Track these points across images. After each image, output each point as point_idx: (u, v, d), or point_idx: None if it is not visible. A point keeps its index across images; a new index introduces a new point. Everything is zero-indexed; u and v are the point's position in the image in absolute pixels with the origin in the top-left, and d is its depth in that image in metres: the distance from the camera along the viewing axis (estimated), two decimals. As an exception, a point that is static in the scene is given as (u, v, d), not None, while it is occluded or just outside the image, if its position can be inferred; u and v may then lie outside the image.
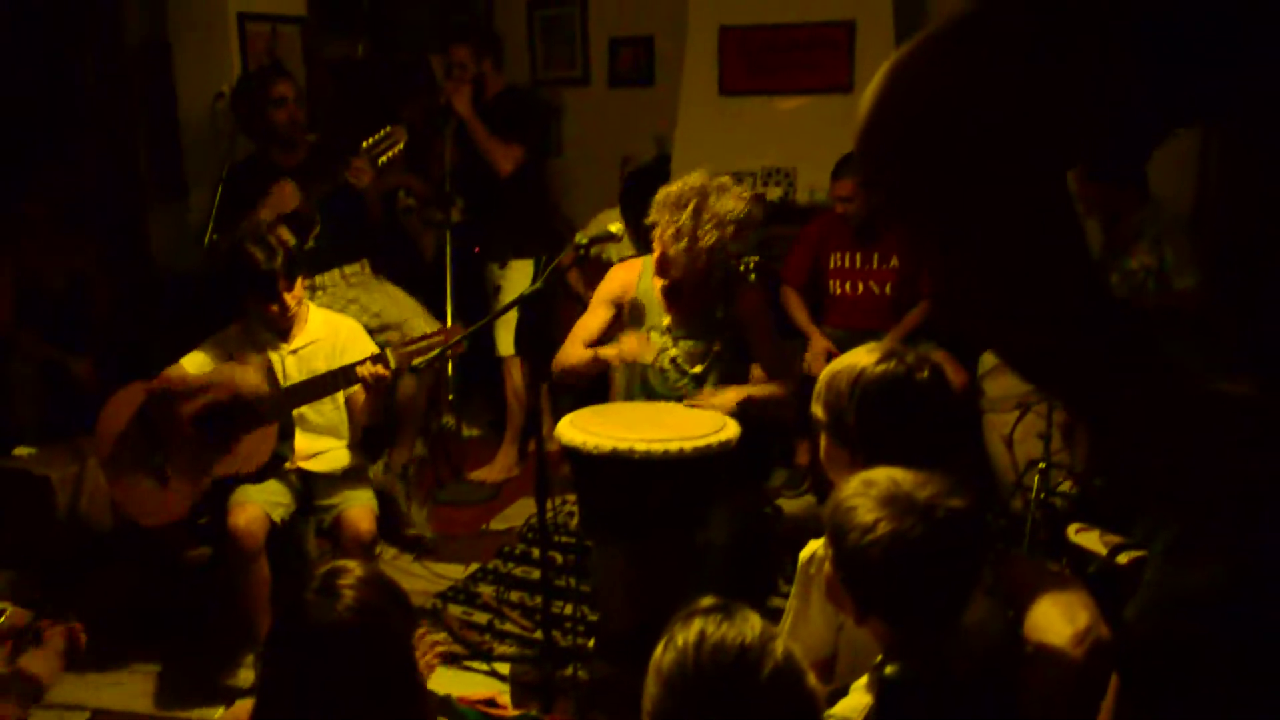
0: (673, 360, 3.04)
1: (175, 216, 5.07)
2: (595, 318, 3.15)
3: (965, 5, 0.70)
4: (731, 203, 2.85)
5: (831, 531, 1.44)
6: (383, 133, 3.73)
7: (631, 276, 3.16)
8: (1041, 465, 3.53)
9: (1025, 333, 0.73)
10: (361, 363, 3.03)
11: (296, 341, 3.24)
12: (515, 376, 4.51)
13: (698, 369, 3.04)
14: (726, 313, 3.06)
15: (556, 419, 2.77)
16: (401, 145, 3.74)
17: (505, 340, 4.45)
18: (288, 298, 3.11)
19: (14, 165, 5.00)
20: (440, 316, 4.13)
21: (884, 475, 1.44)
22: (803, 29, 4.98)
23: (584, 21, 5.97)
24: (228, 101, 3.97)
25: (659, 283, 3.04)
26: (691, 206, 2.82)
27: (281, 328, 3.21)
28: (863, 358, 1.81)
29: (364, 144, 3.73)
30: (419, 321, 3.87)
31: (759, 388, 3.02)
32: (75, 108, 5.36)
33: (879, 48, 4.81)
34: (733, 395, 2.92)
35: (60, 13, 5.28)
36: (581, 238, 2.97)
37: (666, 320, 3.07)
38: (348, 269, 4.05)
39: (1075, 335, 0.70)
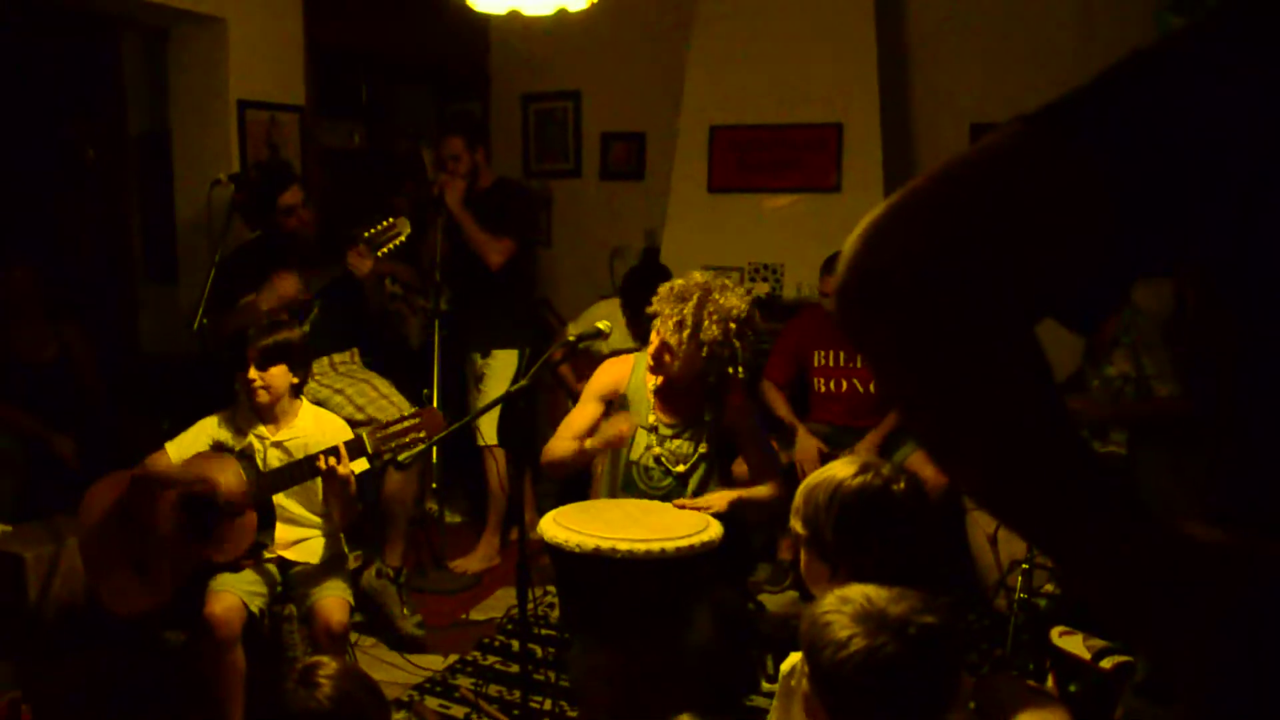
0: (657, 459, 3.05)
1: (165, 299, 5.13)
2: (584, 413, 3.17)
3: (940, 170, 0.73)
4: (735, 300, 2.88)
5: (807, 648, 1.45)
6: (385, 223, 3.77)
7: (623, 372, 3.18)
8: (1025, 565, 3.52)
9: (986, 474, 0.75)
10: (317, 455, 3.02)
11: (283, 433, 3.24)
12: (498, 466, 4.49)
13: (681, 468, 3.05)
14: (715, 416, 3.07)
15: (539, 509, 2.77)
16: (404, 237, 3.78)
17: (488, 430, 4.45)
18: (255, 375, 3.10)
19: (6, 238, 5.07)
20: (424, 404, 4.13)
21: (858, 591, 1.45)
22: (792, 130, 5.10)
23: (577, 116, 6.12)
24: (226, 186, 4.02)
25: (650, 380, 3.05)
26: (695, 299, 2.85)
27: (261, 409, 3.19)
28: (839, 470, 1.83)
29: (365, 234, 3.76)
30: (405, 410, 3.87)
31: (748, 490, 3.01)
32: (75, 189, 5.46)
33: (867, 149, 4.94)
34: (723, 497, 2.91)
35: (68, 99, 5.42)
36: (573, 330, 3.00)
37: (654, 418, 3.08)
38: (337, 357, 4.07)
39: (1039, 482, 0.72)
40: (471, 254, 4.40)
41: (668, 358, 2.93)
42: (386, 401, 3.97)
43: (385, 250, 3.77)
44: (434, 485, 4.29)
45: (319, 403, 3.61)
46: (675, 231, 5.21)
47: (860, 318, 0.73)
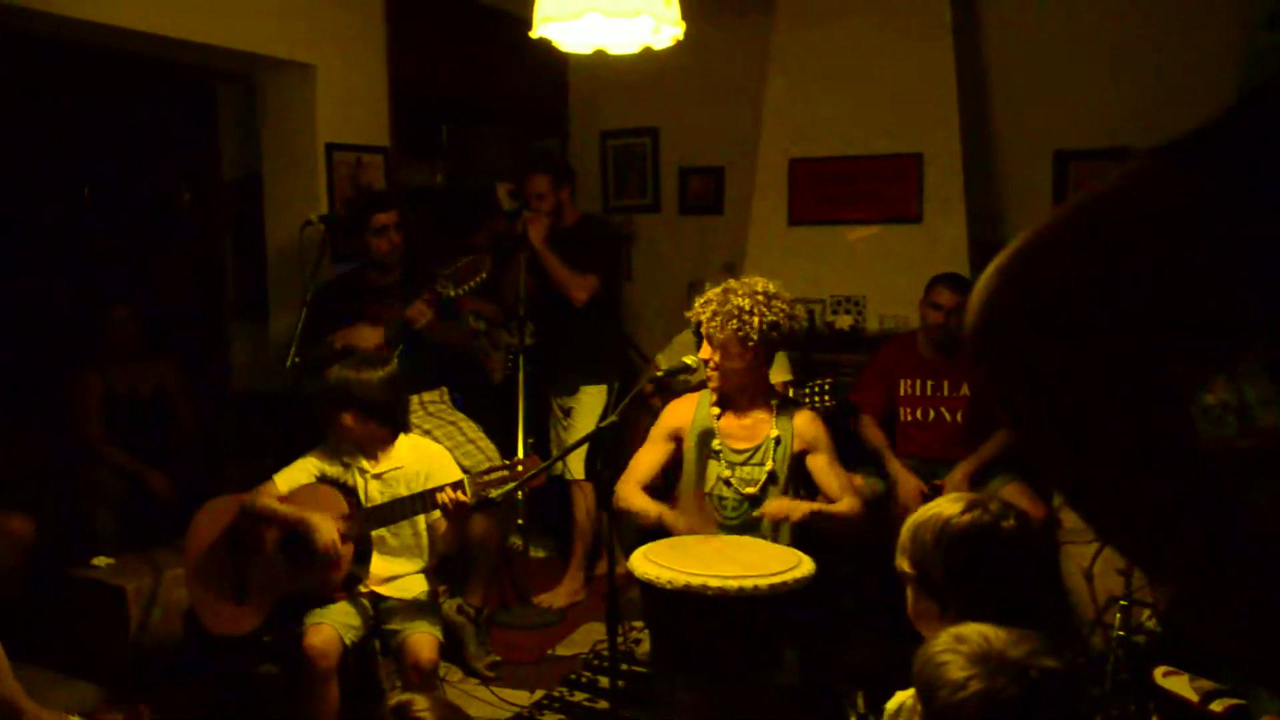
0: (728, 482, 3.06)
1: (255, 338, 5.25)
2: (652, 453, 3.21)
3: (1076, 204, 0.71)
4: (761, 283, 3.01)
5: (922, 687, 1.42)
6: (465, 261, 3.82)
7: (688, 409, 3.22)
8: (1123, 602, 3.41)
9: (1112, 499, 0.72)
10: (442, 488, 3.06)
11: (382, 465, 3.27)
12: (584, 501, 4.50)
13: (751, 490, 3.06)
14: (783, 437, 3.07)
15: (623, 543, 2.76)
16: (484, 275, 3.80)
17: (576, 464, 4.45)
18: (346, 419, 3.15)
19: (109, 279, 5.27)
20: (510, 439, 4.15)
21: (975, 631, 1.42)
22: (872, 160, 5.07)
23: (655, 152, 6.17)
24: (316, 227, 4.11)
25: (715, 412, 3.10)
26: (721, 288, 3.02)
27: (364, 449, 3.24)
28: (946, 508, 1.80)
29: (445, 271, 3.80)
30: (492, 456, 3.89)
31: (827, 505, 3.00)
32: (171, 232, 5.66)
33: (948, 178, 4.90)
34: (801, 506, 2.91)
35: (166, 146, 5.64)
36: (662, 362, 3.02)
37: (719, 444, 3.11)
38: (426, 396, 4.08)
39: (1191, 522, 0.70)
40: (556, 290, 4.42)
41: (710, 351, 2.99)
42: (474, 447, 3.97)
43: (465, 288, 3.80)
44: (520, 521, 4.31)
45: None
46: (756, 265, 5.15)
47: (998, 353, 0.72)
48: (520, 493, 3.85)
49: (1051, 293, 0.69)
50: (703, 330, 3.02)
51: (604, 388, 4.56)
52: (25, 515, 3.85)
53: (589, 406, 4.53)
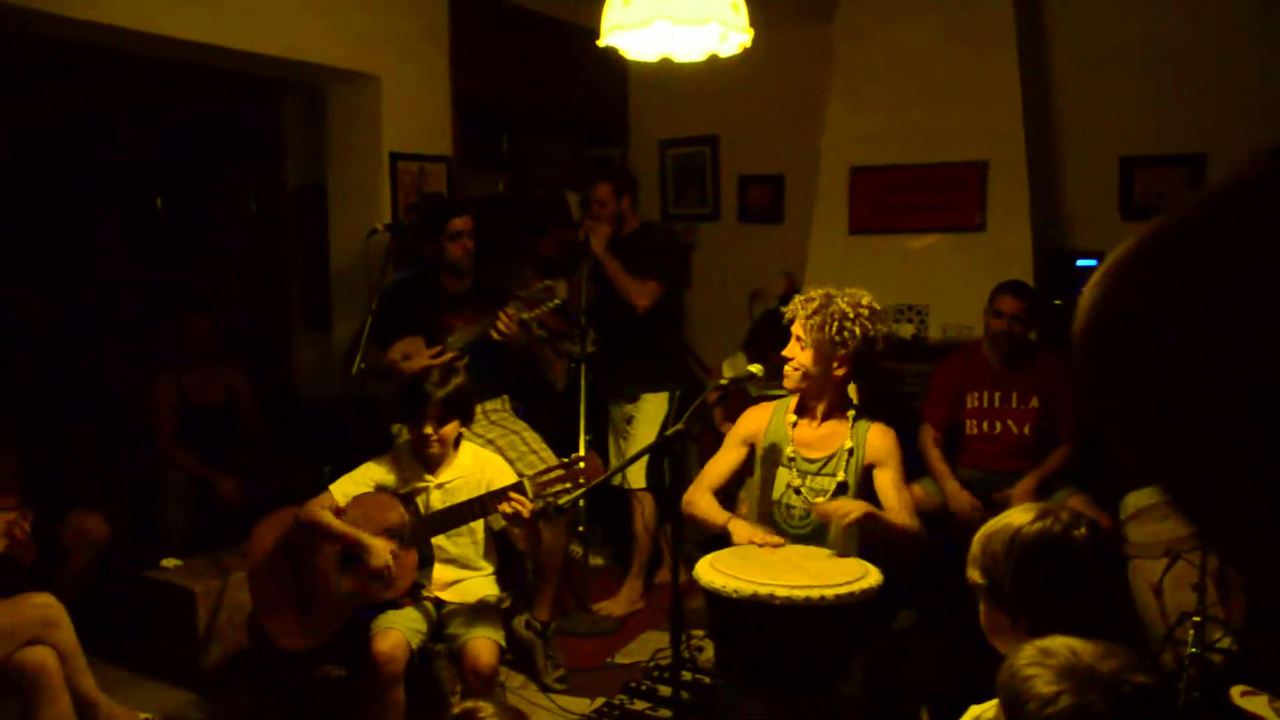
0: (798, 490, 3.04)
1: (319, 346, 5.33)
2: (725, 460, 3.19)
3: (1184, 206, 0.70)
4: (866, 296, 3.02)
5: (1008, 701, 1.40)
6: (541, 285, 3.84)
7: (763, 417, 3.20)
8: (1196, 618, 3.34)
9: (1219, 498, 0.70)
10: (501, 493, 3.07)
11: (444, 475, 3.29)
12: (645, 510, 4.48)
13: (820, 500, 3.03)
14: (856, 448, 3.05)
15: (684, 554, 2.74)
16: (559, 301, 3.83)
17: (636, 473, 4.44)
18: (431, 430, 3.16)
19: (179, 287, 5.38)
20: (571, 449, 4.15)
21: (1062, 645, 1.39)
22: (935, 169, 5.02)
23: (715, 160, 6.15)
24: (381, 235, 4.16)
25: (790, 419, 3.09)
26: (824, 291, 3.01)
27: (429, 458, 3.26)
28: (1016, 518, 1.77)
29: (521, 293, 3.82)
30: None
31: (886, 512, 2.95)
32: (237, 241, 5.78)
33: (1012, 186, 4.83)
34: (859, 505, 2.86)
35: (233, 157, 5.76)
36: (727, 370, 3.01)
37: (793, 452, 3.09)
38: (489, 405, 4.07)
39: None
40: (618, 298, 4.41)
41: (797, 350, 2.97)
42: (535, 457, 3.96)
43: (539, 312, 3.83)
44: (580, 529, 4.31)
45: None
46: (816, 273, 5.13)
47: (1103, 355, 0.70)
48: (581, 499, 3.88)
49: (1161, 297, 0.67)
50: (797, 328, 3.00)
51: (665, 396, 4.54)
52: (100, 515, 3.94)
53: (650, 415, 4.52)
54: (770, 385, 4.18)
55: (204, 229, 5.98)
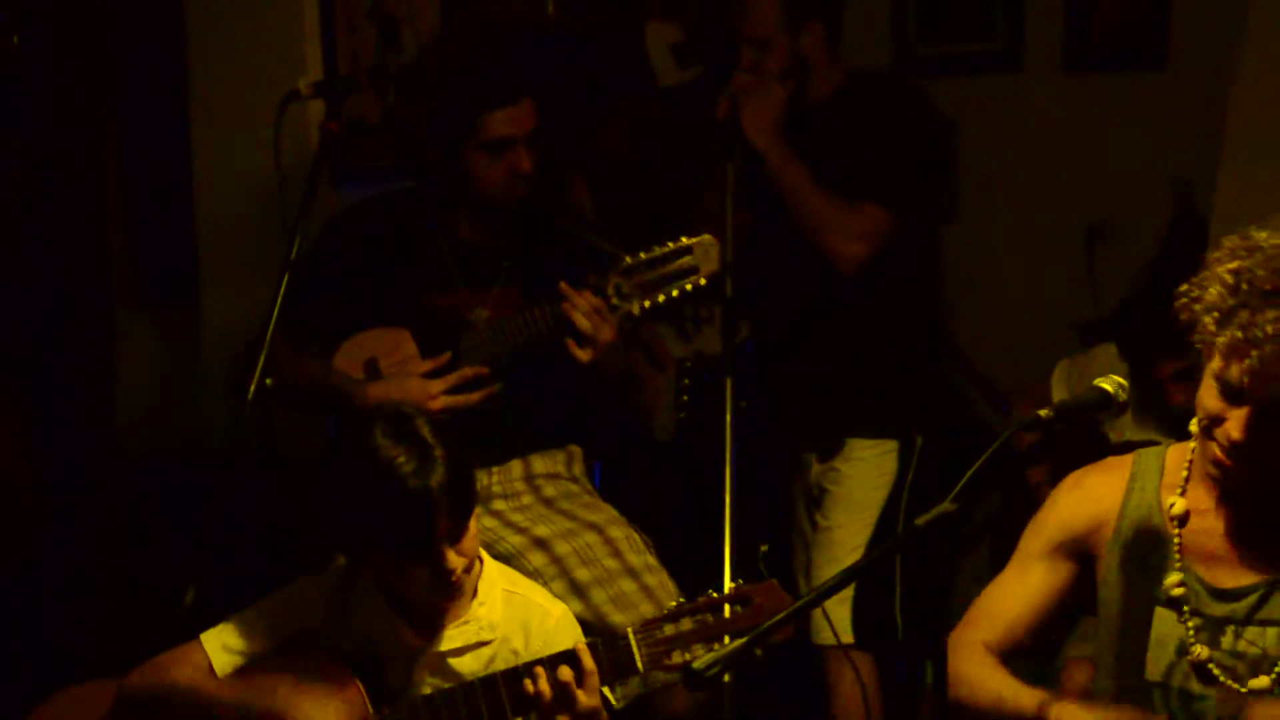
0: (1204, 668, 1.89)
1: (168, 341, 4.00)
2: (1027, 582, 2.10)
3: None
4: None
5: None
6: (670, 246, 2.56)
7: (1111, 492, 2.07)
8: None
9: None
10: (532, 668, 2.01)
11: (448, 636, 2.17)
12: (854, 683, 2.82)
13: (1262, 682, 1.82)
14: None
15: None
16: (703, 278, 2.54)
17: (837, 613, 2.86)
18: (453, 556, 2.02)
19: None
20: (703, 560, 2.57)
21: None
22: None
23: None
24: (308, 105, 2.78)
25: (1177, 503, 1.97)
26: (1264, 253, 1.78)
27: (424, 611, 2.18)
28: None
29: (628, 261, 2.56)
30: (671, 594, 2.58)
31: None
32: None
33: None
34: None
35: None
36: (1059, 389, 2.79)
37: (1188, 578, 1.97)
38: (539, 463, 2.75)
39: None
40: (801, 243, 2.85)
41: (1232, 411, 1.80)
42: (636, 585, 2.57)
43: (663, 297, 2.54)
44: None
45: (500, 558, 2.35)
46: (1236, 181, 3.21)
47: None
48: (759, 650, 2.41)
49: None
50: (1228, 374, 1.80)
51: (893, 445, 2.99)
52: None
53: (862, 484, 2.98)
54: (1143, 421, 3.12)
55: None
